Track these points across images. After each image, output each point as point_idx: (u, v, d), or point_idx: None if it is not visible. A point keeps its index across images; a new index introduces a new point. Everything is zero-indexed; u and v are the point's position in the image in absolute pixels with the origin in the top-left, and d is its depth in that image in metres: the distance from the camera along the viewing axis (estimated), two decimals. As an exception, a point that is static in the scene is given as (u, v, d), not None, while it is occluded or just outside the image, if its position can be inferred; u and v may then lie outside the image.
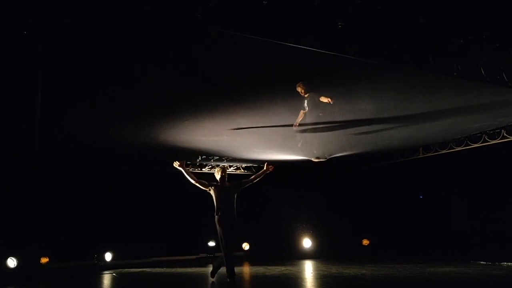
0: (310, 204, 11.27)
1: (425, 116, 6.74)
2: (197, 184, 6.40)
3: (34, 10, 3.50)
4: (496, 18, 4.16)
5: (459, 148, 8.51)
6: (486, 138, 7.96)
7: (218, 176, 6.53)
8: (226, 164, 10.37)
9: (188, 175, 6.34)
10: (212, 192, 6.39)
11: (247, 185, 6.56)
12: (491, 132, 7.86)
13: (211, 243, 11.08)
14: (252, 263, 9.32)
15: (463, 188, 10.25)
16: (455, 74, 4.68)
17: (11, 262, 8.20)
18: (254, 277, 7.14)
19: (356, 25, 4.01)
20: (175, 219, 10.35)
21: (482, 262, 8.31)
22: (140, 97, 5.73)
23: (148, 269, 8.67)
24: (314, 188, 11.42)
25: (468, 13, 4.05)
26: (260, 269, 8.13)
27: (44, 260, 8.69)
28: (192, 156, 9.58)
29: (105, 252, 9.53)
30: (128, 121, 6.81)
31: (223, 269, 6.36)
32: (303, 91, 5.67)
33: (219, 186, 6.43)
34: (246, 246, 10.88)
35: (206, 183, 6.43)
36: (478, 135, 8.08)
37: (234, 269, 6.28)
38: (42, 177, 8.99)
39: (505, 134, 7.68)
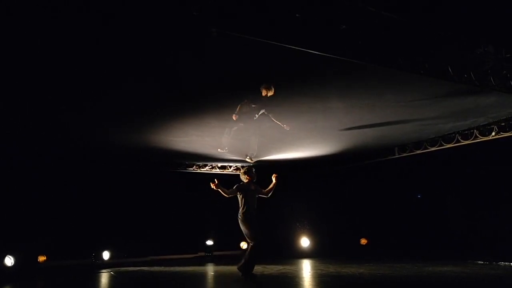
0: (308, 203, 11.27)
1: (397, 115, 6.68)
2: (230, 195, 6.74)
3: (33, 9, 3.48)
4: (461, 17, 4.04)
5: (433, 148, 8.45)
6: (459, 139, 7.88)
7: (244, 178, 6.88)
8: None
9: (223, 192, 6.64)
10: (239, 195, 6.73)
11: (262, 195, 6.89)
12: (465, 132, 7.78)
13: (209, 242, 11.09)
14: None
15: (460, 188, 10.28)
16: (422, 72, 4.56)
17: (9, 261, 8.19)
18: (252, 276, 7.10)
19: (319, 19, 3.75)
20: (173, 218, 10.35)
21: (479, 262, 8.33)
22: (130, 99, 5.69)
23: (146, 268, 8.65)
24: (312, 187, 11.42)
25: (435, 11, 3.94)
26: (258, 268, 8.10)
27: (41, 258, 8.68)
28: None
29: (103, 250, 9.53)
30: (124, 122, 6.79)
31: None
32: (267, 93, 5.37)
33: (246, 188, 6.78)
34: (244, 245, 10.87)
35: (234, 190, 6.72)
36: (452, 135, 8.02)
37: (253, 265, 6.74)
38: (40, 176, 8.98)
39: (477, 135, 7.61)
